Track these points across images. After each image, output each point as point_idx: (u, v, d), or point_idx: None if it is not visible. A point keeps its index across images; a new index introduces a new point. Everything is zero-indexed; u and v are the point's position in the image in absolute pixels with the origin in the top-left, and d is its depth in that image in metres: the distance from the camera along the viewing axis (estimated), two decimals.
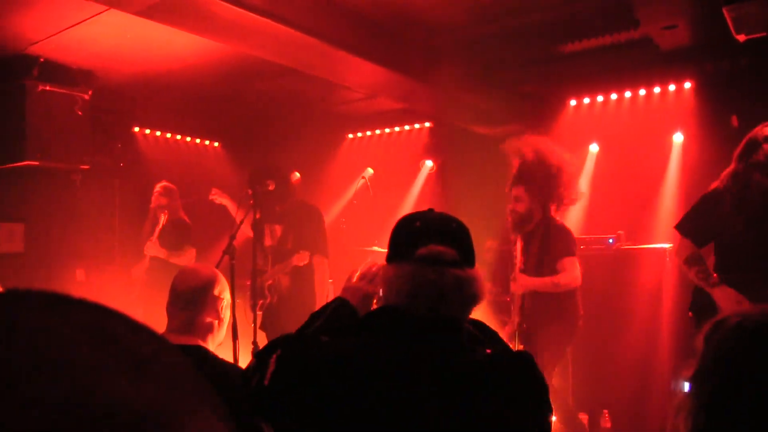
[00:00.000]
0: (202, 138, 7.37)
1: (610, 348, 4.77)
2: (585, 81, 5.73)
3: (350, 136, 7.39)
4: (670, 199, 5.29)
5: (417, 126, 6.98)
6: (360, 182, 5.18)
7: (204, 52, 4.83)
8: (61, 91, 5.02)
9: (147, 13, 3.48)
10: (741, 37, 3.84)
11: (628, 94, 5.64)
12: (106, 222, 6.30)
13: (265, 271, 4.74)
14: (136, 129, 6.61)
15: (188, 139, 7.24)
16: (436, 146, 6.72)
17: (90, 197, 6.09)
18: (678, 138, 5.39)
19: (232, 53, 4.65)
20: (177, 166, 6.58)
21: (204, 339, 2.21)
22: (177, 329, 2.18)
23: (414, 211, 1.64)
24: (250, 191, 4.15)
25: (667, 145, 5.43)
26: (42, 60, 4.89)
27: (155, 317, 2.37)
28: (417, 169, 6.72)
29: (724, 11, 3.57)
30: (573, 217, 4.49)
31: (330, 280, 4.91)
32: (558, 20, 4.51)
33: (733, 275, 3.32)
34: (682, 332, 4.45)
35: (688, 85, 5.32)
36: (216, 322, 2.25)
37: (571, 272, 3.96)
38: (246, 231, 4.37)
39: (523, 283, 4.02)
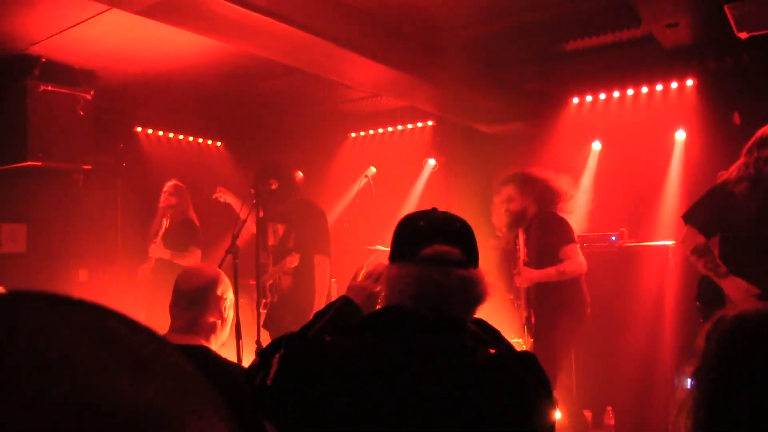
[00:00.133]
0: (205, 137, 7.35)
1: (614, 345, 4.78)
2: (587, 79, 5.73)
3: (353, 134, 7.38)
4: (672, 196, 5.29)
5: (420, 124, 6.97)
6: (363, 181, 5.17)
7: (206, 52, 4.84)
8: (63, 91, 5.02)
9: (149, 12, 3.47)
10: (743, 35, 3.86)
11: (630, 91, 5.63)
12: (109, 222, 6.30)
13: (267, 270, 4.74)
14: (139, 129, 6.61)
15: (191, 138, 7.22)
16: (439, 145, 6.71)
17: (92, 197, 6.09)
18: (680, 135, 5.39)
19: (235, 52, 4.65)
20: (179, 165, 6.56)
21: (207, 339, 2.21)
22: (180, 329, 2.18)
23: (417, 209, 1.62)
24: (253, 190, 4.15)
25: (670, 143, 5.43)
26: (44, 60, 4.89)
27: (160, 318, 2.38)
28: (420, 167, 6.72)
29: (726, 9, 3.58)
30: (576, 215, 4.49)
31: (333, 279, 4.91)
32: (560, 18, 4.51)
33: (741, 267, 3.34)
34: (686, 329, 4.45)
35: (690, 82, 5.31)
36: (219, 322, 2.25)
37: (576, 258, 4.00)
38: (250, 230, 4.37)
39: (528, 276, 4.02)
